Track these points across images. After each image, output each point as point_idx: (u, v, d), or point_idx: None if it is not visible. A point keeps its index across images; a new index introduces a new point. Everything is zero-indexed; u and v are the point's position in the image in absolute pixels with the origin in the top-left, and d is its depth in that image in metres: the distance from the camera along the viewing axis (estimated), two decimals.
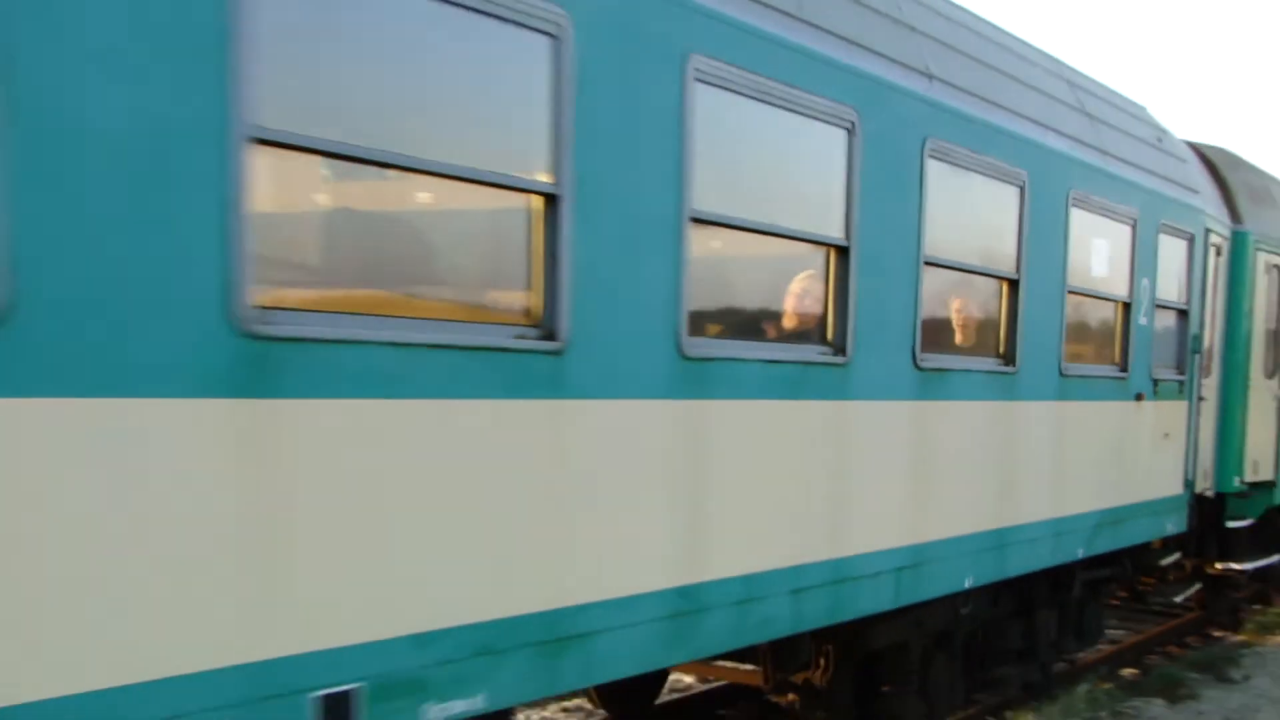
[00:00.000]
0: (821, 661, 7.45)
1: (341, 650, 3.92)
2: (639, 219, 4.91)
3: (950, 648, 8.08)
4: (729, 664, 7.52)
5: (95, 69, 3.21)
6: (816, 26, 5.90)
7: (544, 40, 4.44)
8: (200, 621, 3.55)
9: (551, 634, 4.64)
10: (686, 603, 5.29)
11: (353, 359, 3.90)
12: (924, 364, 6.80)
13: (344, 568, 3.93)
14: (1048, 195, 8.05)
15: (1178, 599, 11.89)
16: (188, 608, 3.51)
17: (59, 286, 3.16)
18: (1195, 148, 12.56)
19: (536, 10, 4.37)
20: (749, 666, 7.48)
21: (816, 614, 6.18)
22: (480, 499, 4.37)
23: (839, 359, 6.10)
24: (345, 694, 3.93)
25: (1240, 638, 12.67)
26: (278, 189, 3.94)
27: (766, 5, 5.59)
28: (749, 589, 5.64)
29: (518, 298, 4.59)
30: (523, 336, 4.49)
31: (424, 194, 4.55)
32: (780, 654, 7.18)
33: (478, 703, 4.38)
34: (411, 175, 4.25)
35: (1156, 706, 9.48)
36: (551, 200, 4.49)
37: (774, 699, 7.93)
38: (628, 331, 4.89)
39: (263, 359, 3.64)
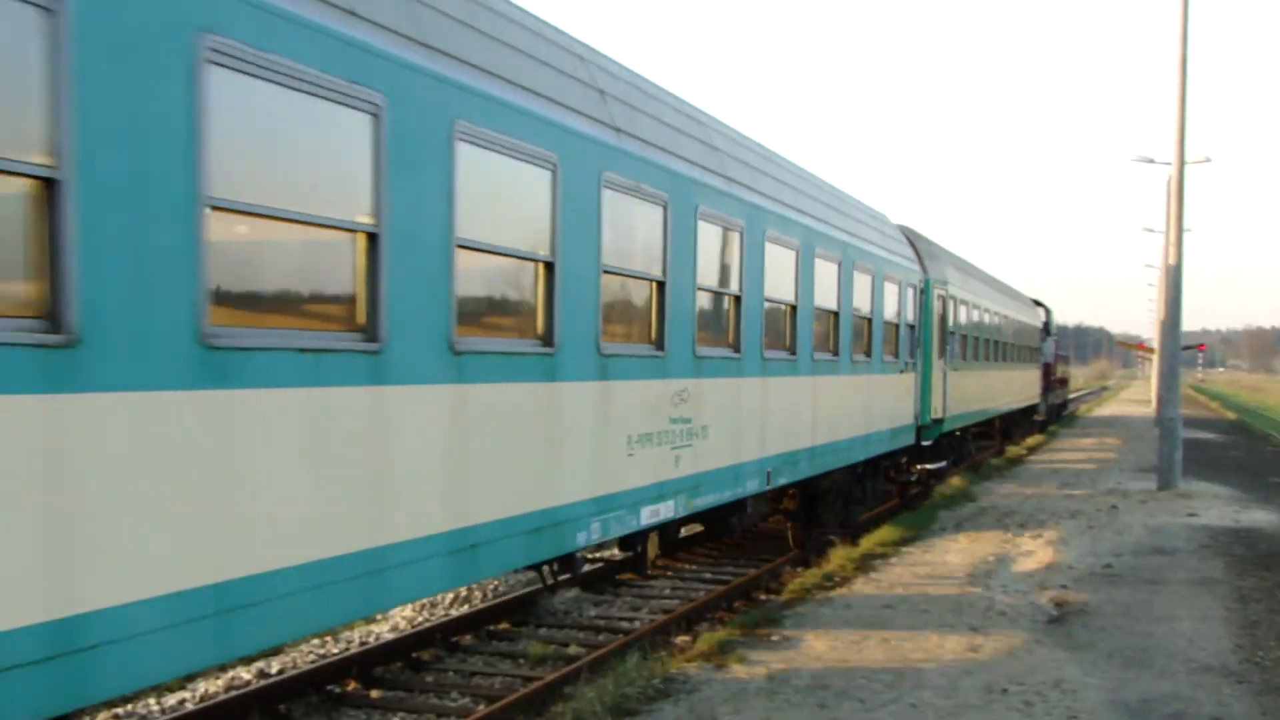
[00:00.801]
0: (791, 500, 16.10)
1: (767, 458, 12.23)
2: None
3: (844, 492, 16.97)
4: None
5: None
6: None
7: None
8: (752, 450, 11.78)
9: (791, 461, 13.09)
10: (787, 460, 13.88)
11: None
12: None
13: (769, 434, 12.26)
14: (866, 273, 17.03)
15: (911, 478, 21.54)
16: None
17: None
18: (902, 229, 22.15)
19: None
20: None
21: (816, 467, 14.82)
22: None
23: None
24: (771, 470, 12.26)
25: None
26: None
27: None
28: (783, 460, 14.31)
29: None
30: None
31: None
32: (774, 499, 15.82)
33: (787, 480, 12.78)
34: None
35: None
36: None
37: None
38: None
39: None
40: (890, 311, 18.07)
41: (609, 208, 8.71)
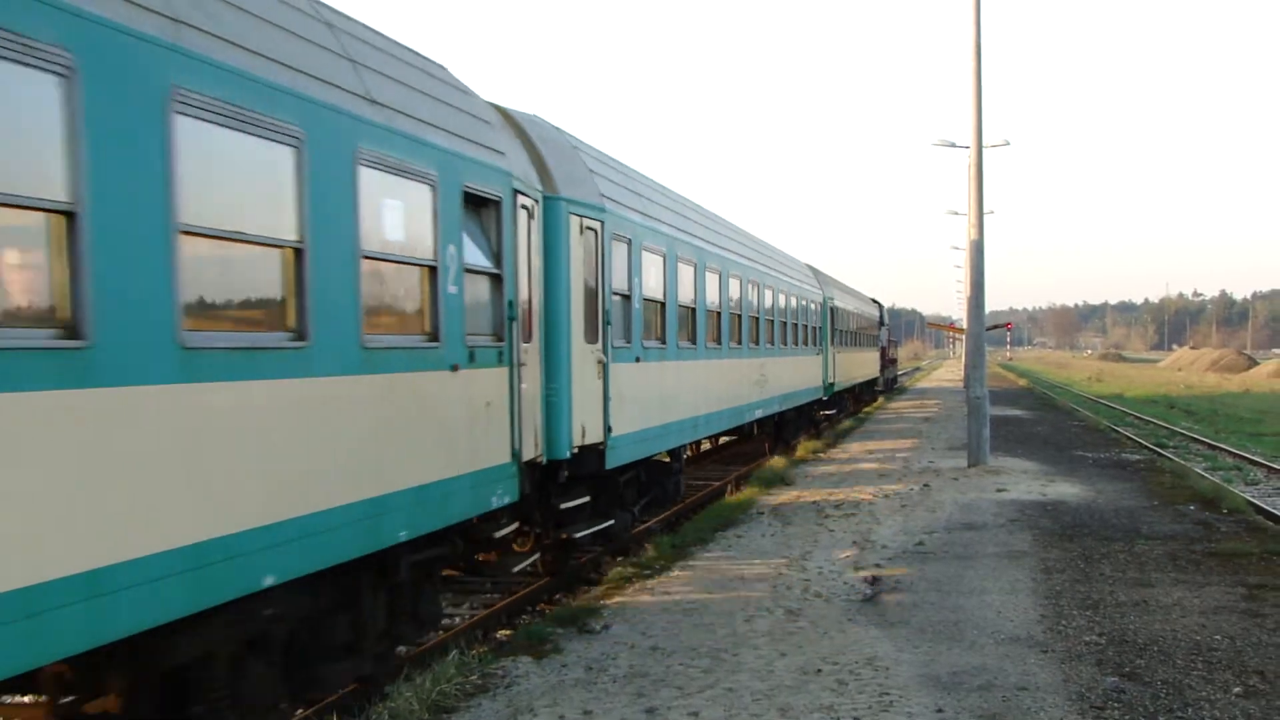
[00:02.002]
0: (770, 426, 28.89)
1: (780, 395, 25.23)
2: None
3: (793, 423, 29.87)
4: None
5: None
6: None
7: None
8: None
9: (787, 399, 26.11)
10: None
11: None
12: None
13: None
14: (803, 299, 30.09)
15: (820, 421, 34.75)
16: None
17: None
18: (809, 266, 35.21)
19: None
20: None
21: (790, 404, 27.85)
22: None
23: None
24: (781, 402, 25.26)
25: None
26: None
27: None
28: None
29: None
30: None
31: None
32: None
33: (785, 409, 25.90)
34: None
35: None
36: None
37: None
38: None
39: None
40: (812, 319, 31.22)
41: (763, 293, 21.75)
